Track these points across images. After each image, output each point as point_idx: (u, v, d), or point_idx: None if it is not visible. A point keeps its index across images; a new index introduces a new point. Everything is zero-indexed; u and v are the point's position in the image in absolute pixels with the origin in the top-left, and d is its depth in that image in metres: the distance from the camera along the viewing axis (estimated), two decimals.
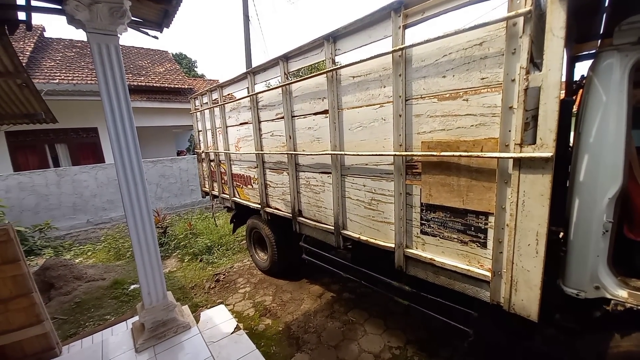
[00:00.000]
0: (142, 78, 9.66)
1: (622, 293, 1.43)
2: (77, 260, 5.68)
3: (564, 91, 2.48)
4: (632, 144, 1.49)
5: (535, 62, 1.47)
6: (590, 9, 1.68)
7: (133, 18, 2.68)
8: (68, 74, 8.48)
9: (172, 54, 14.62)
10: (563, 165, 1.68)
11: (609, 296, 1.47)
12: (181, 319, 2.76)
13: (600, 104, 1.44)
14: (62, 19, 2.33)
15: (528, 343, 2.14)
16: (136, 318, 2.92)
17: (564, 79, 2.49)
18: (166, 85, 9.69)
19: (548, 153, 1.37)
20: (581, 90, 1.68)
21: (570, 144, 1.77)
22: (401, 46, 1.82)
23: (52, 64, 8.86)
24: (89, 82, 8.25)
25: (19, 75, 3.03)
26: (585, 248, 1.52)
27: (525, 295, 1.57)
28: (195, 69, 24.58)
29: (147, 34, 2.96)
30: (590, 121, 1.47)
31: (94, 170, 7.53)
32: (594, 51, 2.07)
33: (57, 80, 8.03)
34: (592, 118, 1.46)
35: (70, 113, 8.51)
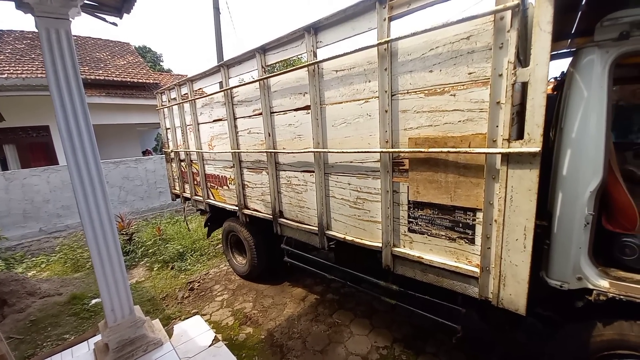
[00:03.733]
0: (101, 71, 8.87)
1: (604, 283, 1.48)
2: (29, 274, 5.08)
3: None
4: (611, 139, 1.54)
5: (519, 57, 1.48)
6: (566, 7, 1.72)
7: (88, 2, 2.38)
8: (17, 68, 7.59)
9: (135, 47, 13.62)
10: (543, 160, 1.72)
11: (591, 286, 1.51)
12: (151, 335, 2.51)
13: (581, 100, 1.47)
14: (11, 5, 2.00)
15: (511, 335, 2.19)
16: (99, 337, 2.62)
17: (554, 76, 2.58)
18: (128, 79, 8.98)
19: (536, 148, 1.37)
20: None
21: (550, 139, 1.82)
22: (387, 39, 1.76)
23: (1, 57, 7.90)
24: (39, 75, 7.42)
25: None
26: (567, 240, 1.56)
27: (514, 290, 1.58)
28: (161, 63, 23.11)
29: (104, 19, 2.64)
30: (572, 117, 1.50)
31: (45, 173, 6.79)
32: (566, 50, 2.16)
33: (5, 75, 7.15)
34: (574, 114, 1.49)
35: (19, 110, 7.63)
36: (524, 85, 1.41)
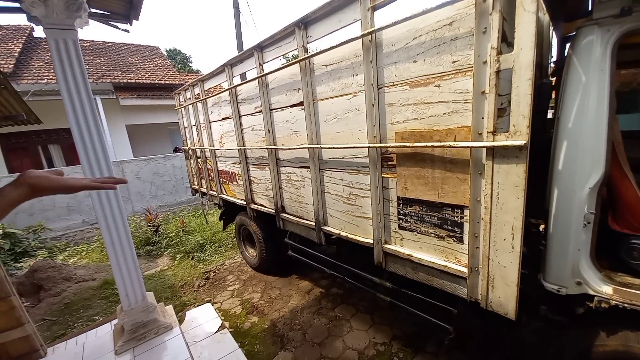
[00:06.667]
0: (132, 75, 9.51)
1: (607, 289, 1.33)
2: (71, 261, 5.67)
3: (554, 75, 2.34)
4: (616, 128, 1.37)
5: (509, 42, 1.36)
6: None
7: (97, 10, 2.56)
8: None
9: (166, 50, 14.40)
10: (545, 153, 1.57)
11: (592, 292, 1.37)
12: (162, 319, 2.71)
13: (579, 86, 1.32)
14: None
15: (514, 335, 2.07)
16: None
17: (553, 60, 2.35)
18: (156, 81, 9.54)
19: (521, 141, 1.26)
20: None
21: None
22: (370, 30, 1.70)
23: (41, 64, 8.74)
24: None
25: None
26: (565, 241, 1.43)
27: (502, 292, 1.48)
28: (190, 64, 24.25)
29: (116, 27, 2.83)
30: (569, 104, 1.35)
31: None
32: None
33: (45, 80, 7.92)
34: (571, 101, 1.34)
35: (60, 113, 8.35)
36: (512, 72, 1.30)
